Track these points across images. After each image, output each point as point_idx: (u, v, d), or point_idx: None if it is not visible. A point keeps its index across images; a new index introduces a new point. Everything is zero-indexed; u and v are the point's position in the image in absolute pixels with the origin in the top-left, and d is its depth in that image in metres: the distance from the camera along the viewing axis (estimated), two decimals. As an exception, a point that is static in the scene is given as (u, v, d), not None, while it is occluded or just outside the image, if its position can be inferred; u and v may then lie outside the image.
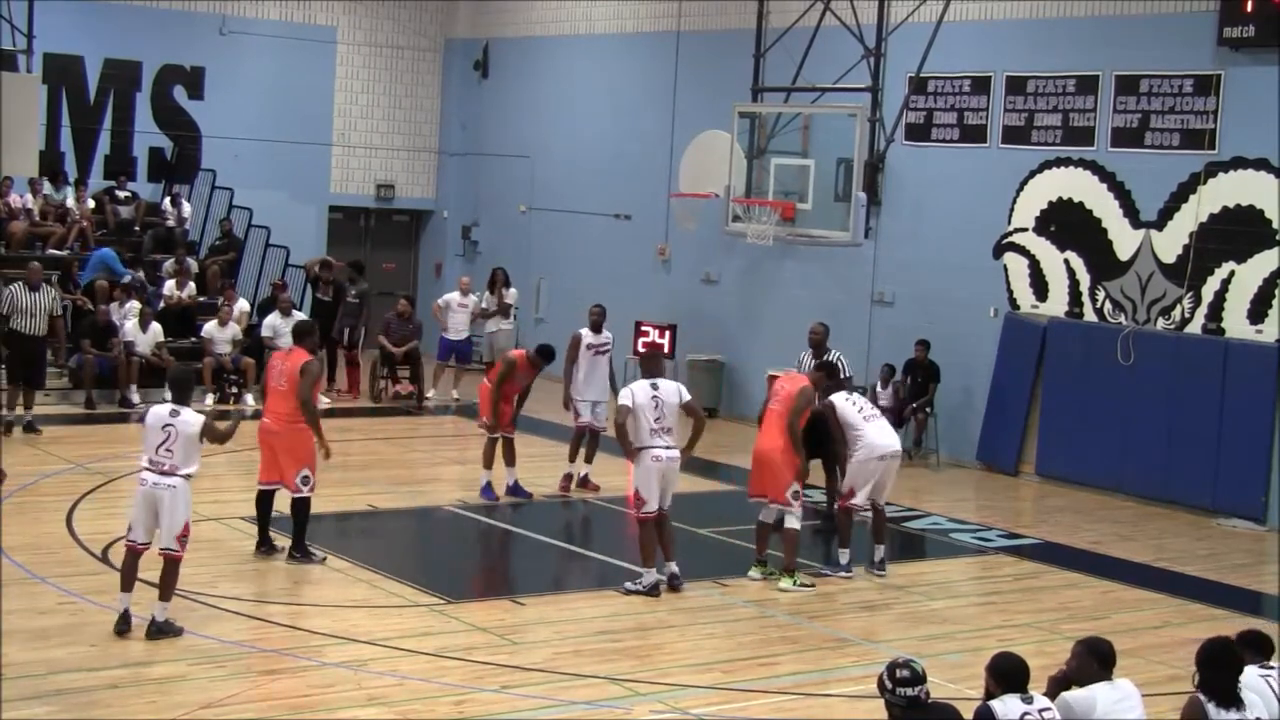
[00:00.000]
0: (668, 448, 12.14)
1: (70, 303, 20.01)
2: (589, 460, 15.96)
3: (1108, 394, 17.46)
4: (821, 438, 13.94)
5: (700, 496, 15.84)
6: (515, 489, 15.53)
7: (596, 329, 15.94)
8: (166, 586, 10.43)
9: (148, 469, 10.40)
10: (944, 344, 18.79)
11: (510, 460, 15.46)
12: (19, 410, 17.43)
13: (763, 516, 12.74)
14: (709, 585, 12.51)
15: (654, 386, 12.23)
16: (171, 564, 10.42)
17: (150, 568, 10.55)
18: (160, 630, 10.33)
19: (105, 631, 10.35)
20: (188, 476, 10.42)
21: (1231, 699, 6.94)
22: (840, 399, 13.29)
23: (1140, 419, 17.20)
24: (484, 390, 15.61)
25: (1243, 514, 16.34)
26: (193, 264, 22.02)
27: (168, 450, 10.34)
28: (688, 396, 12.46)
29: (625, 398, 12.19)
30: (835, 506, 13.37)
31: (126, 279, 20.80)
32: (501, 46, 25.88)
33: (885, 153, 18.71)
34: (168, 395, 10.75)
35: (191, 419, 10.44)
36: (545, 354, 15.41)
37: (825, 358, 14.83)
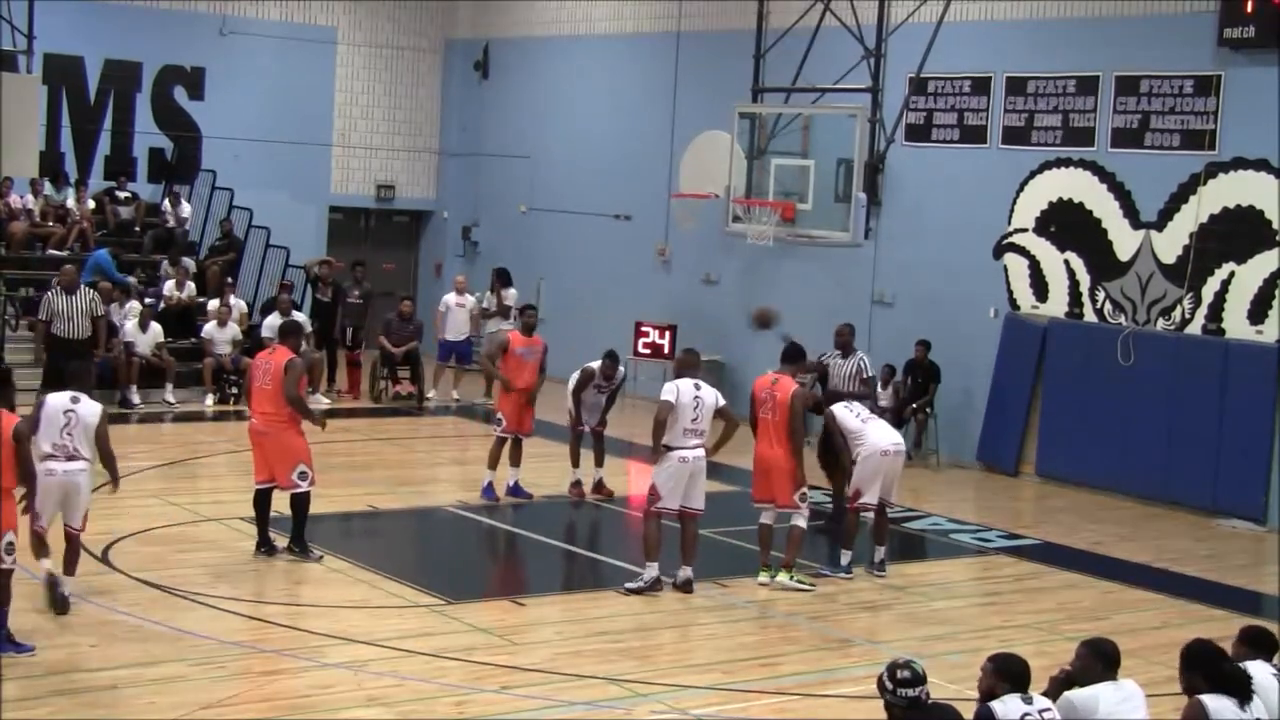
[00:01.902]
0: (695, 449, 12.15)
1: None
2: (599, 464, 15.93)
3: (1108, 394, 17.46)
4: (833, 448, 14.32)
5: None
6: (516, 490, 15.52)
7: (608, 377, 15.81)
8: (72, 563, 10.77)
9: (52, 457, 10.60)
10: (944, 344, 18.79)
11: (515, 461, 15.47)
12: None
13: (764, 519, 12.74)
14: (709, 585, 12.51)
15: (697, 387, 12.21)
16: (76, 540, 10.77)
17: (150, 568, 10.56)
18: (62, 600, 10.56)
19: (105, 632, 10.36)
20: (90, 460, 10.70)
21: (1243, 690, 6.92)
22: (839, 408, 13.48)
23: (1140, 419, 17.20)
24: (500, 392, 15.65)
25: (1243, 514, 16.34)
26: (190, 264, 21.97)
27: (68, 434, 10.61)
28: (724, 401, 12.47)
29: (669, 394, 12.10)
30: (846, 507, 13.38)
31: (128, 281, 20.83)
32: (501, 47, 25.88)
33: (885, 153, 18.69)
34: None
35: (92, 408, 10.77)
36: (525, 309, 16.13)
37: (853, 359, 15.24)
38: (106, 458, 10.91)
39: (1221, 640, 7.46)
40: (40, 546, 10.76)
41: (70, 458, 10.63)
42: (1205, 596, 13.23)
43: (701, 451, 12.22)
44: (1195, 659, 7.10)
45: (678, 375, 12.47)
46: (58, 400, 10.81)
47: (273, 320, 20.80)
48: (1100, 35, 17.80)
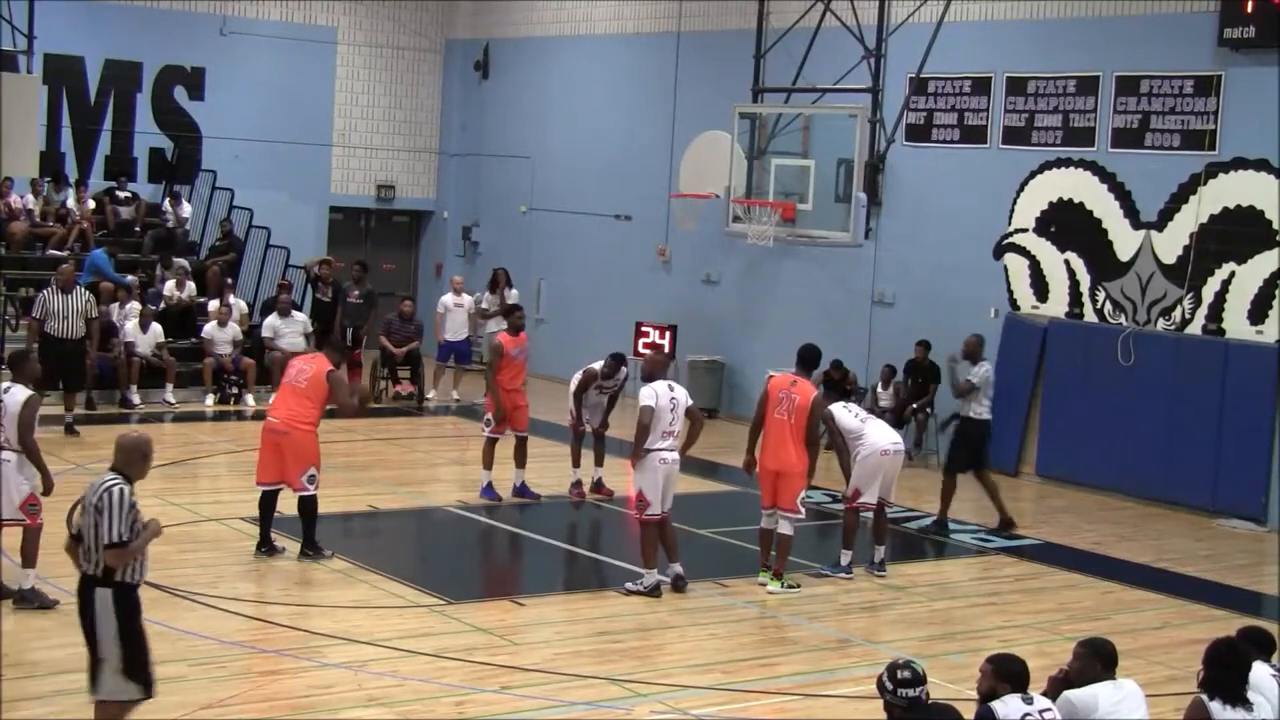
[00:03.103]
0: (671, 450, 12.20)
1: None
2: (599, 463, 15.93)
3: (1108, 395, 17.45)
4: (978, 455, 14.78)
5: (700, 497, 15.84)
6: (522, 490, 15.53)
7: (609, 377, 15.79)
8: (26, 554, 10.73)
9: None
10: (944, 344, 18.71)
11: (520, 461, 15.48)
12: (60, 411, 17.51)
13: (765, 524, 12.74)
14: (709, 585, 12.52)
15: (671, 389, 12.30)
16: (27, 532, 10.72)
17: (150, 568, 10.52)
18: (24, 599, 10.63)
19: (106, 632, 10.34)
20: (18, 450, 10.69)
21: (1237, 698, 6.94)
22: (838, 408, 13.45)
23: (1140, 419, 17.19)
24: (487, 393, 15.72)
25: (1243, 514, 16.34)
26: (182, 264, 21.90)
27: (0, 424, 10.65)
28: (691, 400, 12.58)
29: (649, 398, 12.14)
30: (844, 508, 13.39)
31: (125, 281, 20.82)
32: (501, 47, 25.88)
33: (885, 153, 18.72)
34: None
35: (18, 396, 10.73)
36: (512, 310, 16.03)
37: (977, 369, 15.07)
38: (27, 450, 10.74)
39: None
40: None
41: None
42: (1205, 596, 13.23)
43: (677, 454, 12.29)
44: (1211, 658, 7.09)
45: (649, 378, 12.49)
46: None
47: (272, 320, 20.85)
48: (1100, 35, 17.80)
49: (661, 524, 12.29)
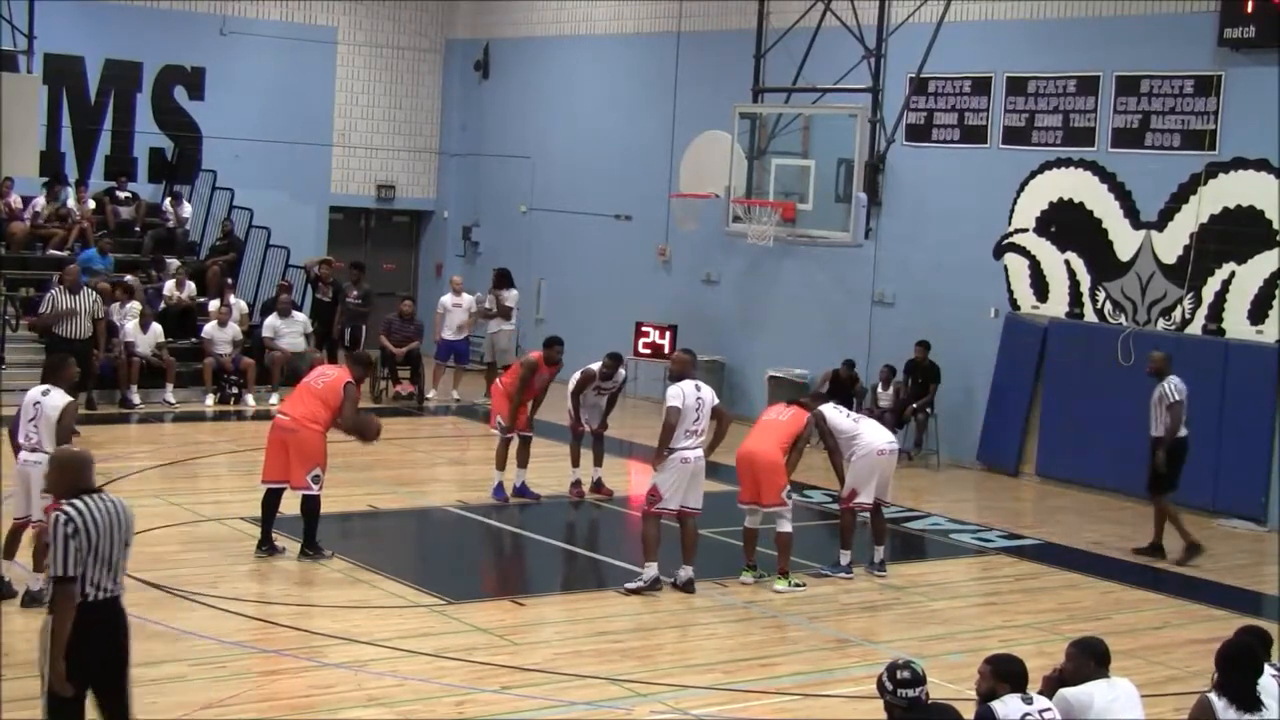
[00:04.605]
0: (694, 450, 12.21)
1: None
2: (598, 463, 15.94)
3: (1108, 395, 17.44)
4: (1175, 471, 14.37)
5: (700, 497, 15.82)
6: (523, 490, 15.53)
7: (607, 378, 15.80)
8: (39, 560, 10.70)
9: (20, 446, 10.76)
10: (944, 344, 18.79)
11: (522, 462, 15.49)
12: None
13: (749, 523, 12.75)
14: (709, 585, 12.51)
15: (698, 388, 12.34)
16: (38, 532, 10.69)
17: (150, 568, 10.56)
18: (34, 599, 10.66)
19: (106, 632, 10.35)
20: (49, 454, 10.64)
21: (1251, 702, 6.92)
22: (829, 409, 13.44)
23: (1140, 420, 17.10)
24: (497, 391, 15.75)
25: (1243, 514, 16.34)
26: (173, 264, 21.87)
27: (34, 426, 10.71)
28: (717, 399, 12.60)
29: (675, 399, 12.18)
30: (840, 507, 13.40)
31: (109, 269, 20.81)
32: (502, 47, 25.88)
33: (886, 153, 18.73)
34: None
35: (57, 400, 10.77)
36: (553, 342, 15.68)
37: (1168, 386, 14.47)
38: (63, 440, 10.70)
39: (1220, 641, 7.42)
40: (10, 542, 10.92)
41: (31, 449, 10.70)
42: (1205, 596, 13.23)
43: (701, 451, 12.28)
44: (1224, 660, 7.07)
45: (678, 378, 12.51)
46: (32, 393, 10.97)
47: (273, 320, 20.86)
48: (1100, 35, 17.80)
49: (683, 522, 12.29)
